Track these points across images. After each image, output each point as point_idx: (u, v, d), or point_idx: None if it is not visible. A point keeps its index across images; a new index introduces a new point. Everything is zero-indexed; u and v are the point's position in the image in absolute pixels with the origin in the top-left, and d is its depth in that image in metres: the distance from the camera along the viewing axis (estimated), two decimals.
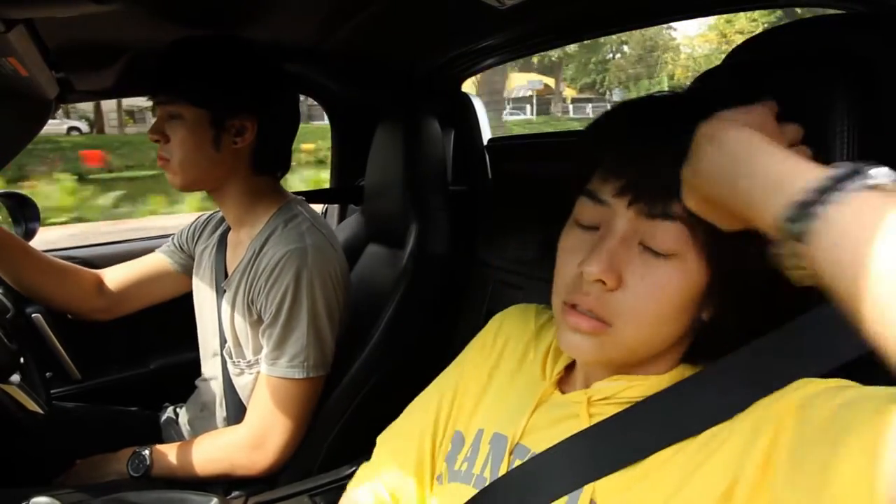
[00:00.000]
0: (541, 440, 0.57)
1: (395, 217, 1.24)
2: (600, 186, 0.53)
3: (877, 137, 0.53)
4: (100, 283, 1.21)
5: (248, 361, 1.07)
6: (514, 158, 1.41)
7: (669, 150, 0.49)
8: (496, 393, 0.67)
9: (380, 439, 0.76)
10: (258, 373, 1.05)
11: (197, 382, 1.22)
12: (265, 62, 1.05)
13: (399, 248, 1.23)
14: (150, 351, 1.55)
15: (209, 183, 1.07)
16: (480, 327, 0.76)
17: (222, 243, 1.16)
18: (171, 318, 1.51)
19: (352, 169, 1.59)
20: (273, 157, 1.09)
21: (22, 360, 0.93)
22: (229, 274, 1.11)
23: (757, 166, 0.40)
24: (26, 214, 1.21)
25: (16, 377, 0.90)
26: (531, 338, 0.69)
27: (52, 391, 1.08)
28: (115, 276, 1.22)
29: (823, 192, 0.35)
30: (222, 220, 1.20)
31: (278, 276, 0.99)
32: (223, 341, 1.11)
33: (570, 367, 0.64)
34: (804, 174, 0.37)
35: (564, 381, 0.64)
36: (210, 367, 1.17)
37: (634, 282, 0.50)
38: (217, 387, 1.14)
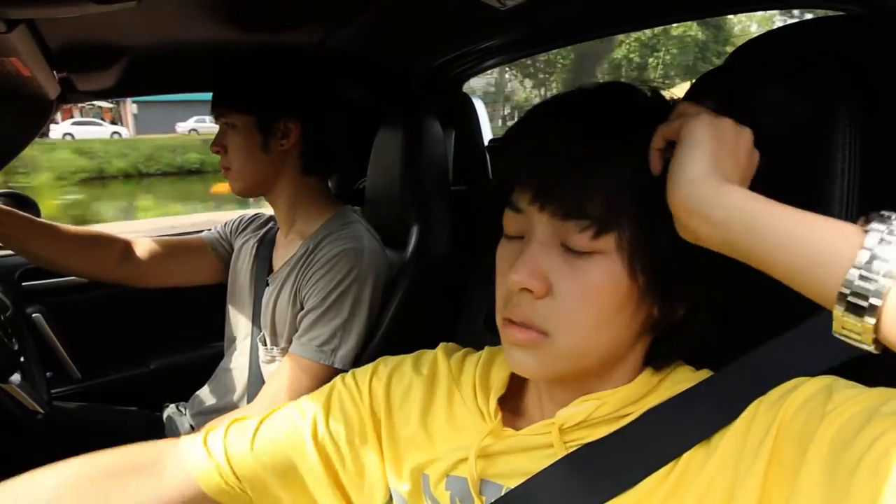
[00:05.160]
0: (509, 475, 0.53)
1: (397, 218, 1.24)
2: (518, 195, 0.51)
3: (878, 138, 0.53)
4: (127, 251, 1.22)
5: (282, 349, 1.11)
6: None
7: (573, 152, 0.48)
8: (427, 436, 0.61)
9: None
10: None
11: (217, 371, 1.25)
12: (304, 67, 1.11)
13: (400, 249, 1.23)
14: (150, 351, 1.55)
15: (263, 185, 1.13)
16: (480, 328, 0.76)
17: (268, 241, 1.23)
18: (171, 318, 1.52)
19: (352, 170, 1.59)
20: (319, 159, 1.14)
21: (22, 359, 0.94)
22: (275, 269, 1.17)
23: (781, 244, 0.39)
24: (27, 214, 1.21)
25: (16, 377, 0.90)
26: (447, 376, 0.64)
27: (52, 391, 1.09)
28: (150, 247, 1.25)
29: (873, 262, 0.34)
30: (267, 220, 1.29)
31: (331, 268, 1.05)
32: (258, 329, 1.15)
33: (506, 399, 0.59)
34: (841, 241, 0.37)
35: (510, 417, 0.58)
36: (237, 355, 1.21)
37: (562, 286, 0.48)
38: (241, 375, 1.17)
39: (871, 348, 0.37)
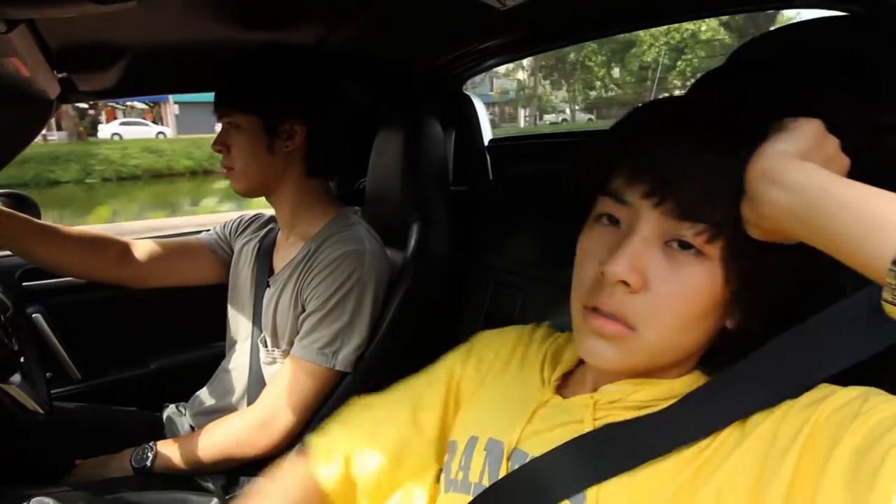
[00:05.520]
0: (540, 444, 0.55)
1: (397, 218, 1.24)
2: (624, 188, 0.51)
3: (878, 138, 0.53)
4: (126, 252, 1.23)
5: (284, 350, 1.11)
6: (514, 159, 1.41)
7: (700, 152, 0.48)
8: (489, 401, 0.65)
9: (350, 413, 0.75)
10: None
11: (218, 371, 1.25)
12: (311, 69, 1.11)
13: (400, 249, 1.23)
14: (150, 351, 1.55)
15: (267, 186, 1.13)
16: (480, 329, 0.76)
17: (268, 242, 1.23)
18: (172, 318, 1.52)
19: (353, 171, 1.59)
20: (323, 161, 1.14)
21: (22, 360, 0.93)
22: (276, 271, 1.17)
23: (841, 208, 0.39)
24: (27, 214, 1.21)
25: (16, 377, 0.90)
26: (524, 350, 0.68)
27: (52, 391, 1.08)
28: (148, 248, 1.25)
29: None
30: (268, 221, 1.29)
31: (333, 271, 1.05)
32: (259, 331, 1.15)
33: (570, 373, 0.63)
34: None
35: (564, 386, 0.62)
36: (237, 356, 1.20)
37: (658, 283, 0.49)
38: (241, 376, 1.17)
39: None
